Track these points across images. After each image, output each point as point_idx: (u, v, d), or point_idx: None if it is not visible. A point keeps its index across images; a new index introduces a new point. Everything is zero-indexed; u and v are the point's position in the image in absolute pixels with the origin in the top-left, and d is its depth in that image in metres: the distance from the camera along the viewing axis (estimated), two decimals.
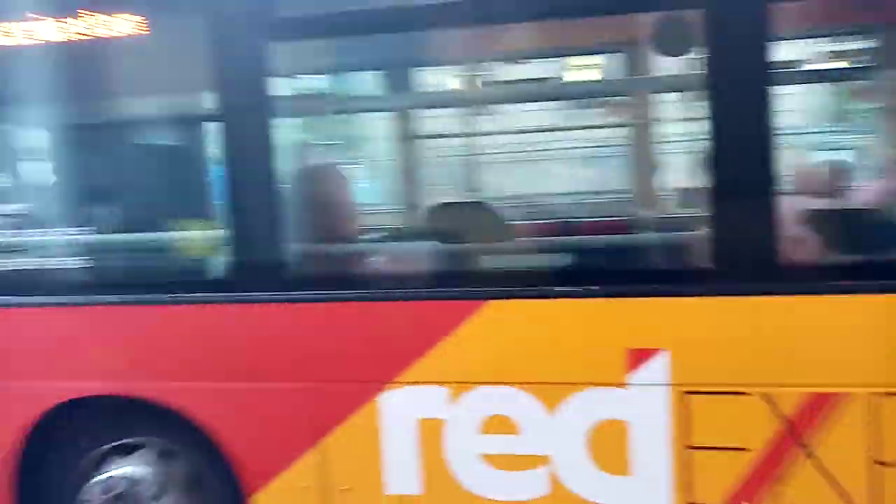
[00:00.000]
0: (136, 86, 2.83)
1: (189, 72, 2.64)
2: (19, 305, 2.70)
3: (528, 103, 9.01)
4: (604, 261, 2.74)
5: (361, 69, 4.15)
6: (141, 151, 2.79)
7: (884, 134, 3.66)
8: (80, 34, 2.52)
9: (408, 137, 4.05)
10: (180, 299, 2.59)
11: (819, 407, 2.20)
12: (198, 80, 2.63)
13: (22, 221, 2.81)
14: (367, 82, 4.08)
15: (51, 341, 2.69)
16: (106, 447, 2.76)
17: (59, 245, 2.74)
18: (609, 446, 2.35)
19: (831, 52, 6.75)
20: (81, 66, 2.66)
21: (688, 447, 2.30)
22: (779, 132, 2.20)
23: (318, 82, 4.35)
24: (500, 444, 2.42)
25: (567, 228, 3.61)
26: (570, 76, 11.56)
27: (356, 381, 2.48)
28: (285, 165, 2.61)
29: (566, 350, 2.36)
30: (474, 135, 6.35)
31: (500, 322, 2.38)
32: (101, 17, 2.50)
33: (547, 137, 10.97)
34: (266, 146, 2.44)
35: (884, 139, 3.64)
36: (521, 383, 2.38)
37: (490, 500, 2.44)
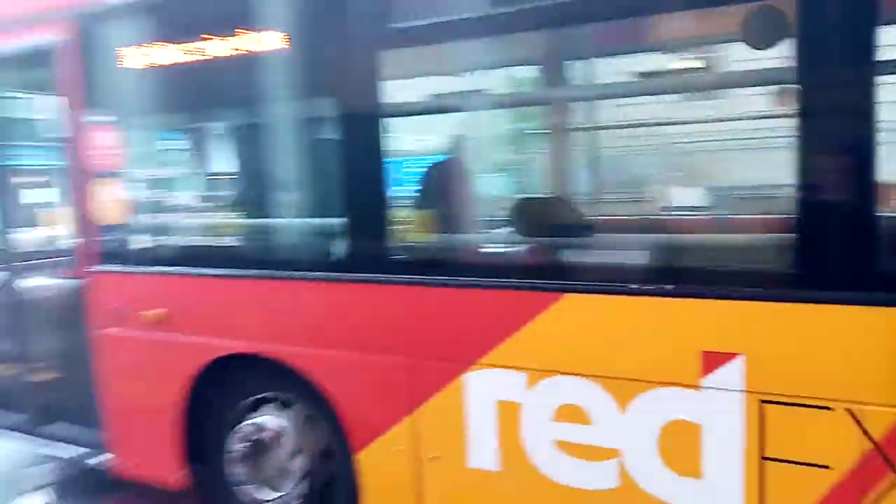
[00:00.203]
0: (312, 89, 3.20)
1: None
2: (191, 275, 3.28)
3: None
4: (681, 260, 2.68)
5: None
6: (291, 148, 3.22)
7: None
8: (248, 50, 2.98)
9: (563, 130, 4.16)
10: (309, 276, 2.98)
11: None
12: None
13: (196, 206, 3.42)
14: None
15: (213, 305, 3.24)
16: (250, 399, 3.26)
17: (220, 226, 3.28)
18: (680, 447, 2.33)
19: None
20: (260, 74, 3.12)
21: (762, 457, 2.22)
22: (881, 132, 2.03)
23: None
24: (571, 432, 2.50)
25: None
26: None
27: (446, 360, 2.70)
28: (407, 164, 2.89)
29: (640, 347, 2.37)
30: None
31: (576, 314, 2.45)
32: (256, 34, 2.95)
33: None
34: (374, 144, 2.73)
35: None
36: (594, 376, 2.44)
37: (561, 485, 2.54)
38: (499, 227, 3.15)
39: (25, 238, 3.98)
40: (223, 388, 3.28)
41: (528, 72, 4.97)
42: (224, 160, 3.80)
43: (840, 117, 2.07)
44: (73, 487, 3.94)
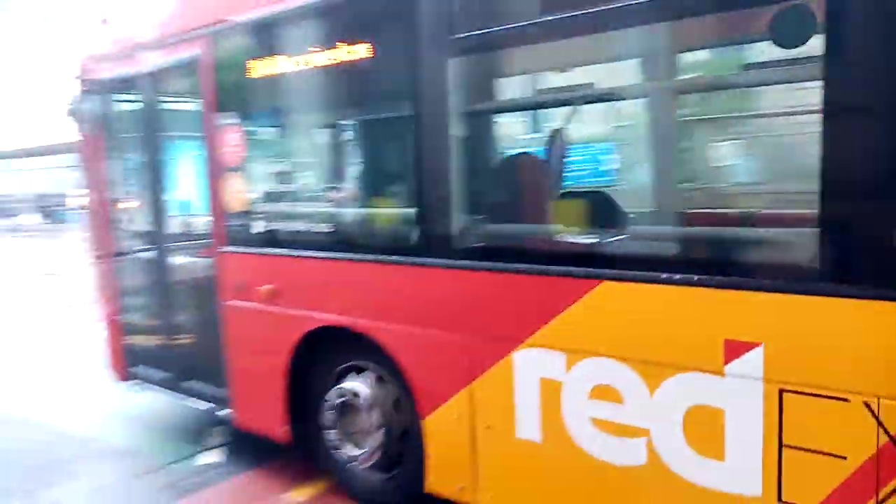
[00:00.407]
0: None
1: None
2: (294, 256, 3.77)
3: None
4: (708, 251, 2.74)
5: None
6: (377, 151, 3.61)
7: None
8: (351, 59, 3.40)
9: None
10: (384, 259, 3.34)
11: None
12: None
13: (301, 196, 3.91)
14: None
15: (311, 282, 3.71)
16: (341, 366, 3.70)
17: (318, 215, 3.74)
18: (703, 430, 2.44)
19: None
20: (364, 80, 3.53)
21: (780, 444, 2.28)
22: None
23: None
24: (606, 410, 2.67)
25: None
26: None
27: (498, 339, 2.95)
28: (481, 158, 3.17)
29: (669, 333, 2.50)
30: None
31: (611, 300, 2.62)
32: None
33: None
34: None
35: None
36: (626, 359, 2.60)
37: (596, 459, 2.72)
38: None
39: (173, 222, 4.70)
40: (320, 355, 3.74)
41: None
42: (324, 158, 4.31)
43: None
44: (241, 449, 4.46)
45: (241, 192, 3.98)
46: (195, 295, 4.52)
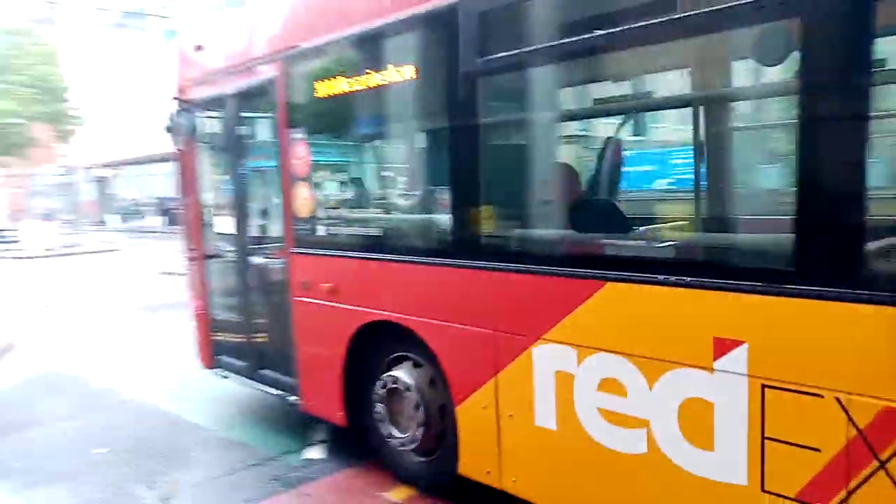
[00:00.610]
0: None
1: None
2: (348, 257, 4.16)
3: None
4: (698, 255, 2.88)
5: None
6: (415, 163, 3.95)
7: None
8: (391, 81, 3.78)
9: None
10: (422, 261, 3.67)
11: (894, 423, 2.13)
12: None
13: (352, 202, 4.34)
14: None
15: (363, 281, 4.09)
16: (390, 357, 4.06)
17: (369, 220, 4.13)
18: (695, 421, 2.63)
19: None
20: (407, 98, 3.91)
21: (763, 437, 2.43)
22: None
23: None
24: (611, 402, 2.89)
25: None
26: None
27: (519, 334, 3.22)
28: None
29: (666, 331, 2.69)
30: None
31: (615, 300, 2.84)
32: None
33: None
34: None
35: None
36: (628, 354, 2.81)
37: (604, 446, 2.94)
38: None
39: (253, 226, 5.23)
40: (372, 347, 4.13)
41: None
42: (374, 169, 4.72)
43: None
44: (340, 447, 4.74)
45: (306, 199, 4.43)
46: (270, 292, 5.02)
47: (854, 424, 2.22)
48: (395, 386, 3.96)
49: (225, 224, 5.38)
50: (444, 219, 3.53)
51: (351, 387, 4.27)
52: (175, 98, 5.46)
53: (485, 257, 3.34)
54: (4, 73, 25.45)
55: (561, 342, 3.05)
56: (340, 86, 4.05)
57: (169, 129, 5.45)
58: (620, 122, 4.61)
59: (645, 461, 2.81)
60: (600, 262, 2.96)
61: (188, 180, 5.65)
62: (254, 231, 5.23)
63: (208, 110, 5.39)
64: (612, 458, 2.93)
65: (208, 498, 4.19)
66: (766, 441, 2.44)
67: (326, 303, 4.28)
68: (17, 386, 6.82)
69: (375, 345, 4.10)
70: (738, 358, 2.48)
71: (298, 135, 4.42)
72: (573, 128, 6.22)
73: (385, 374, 4.03)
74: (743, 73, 3.69)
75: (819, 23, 2.24)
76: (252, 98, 4.99)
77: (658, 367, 2.72)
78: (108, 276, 16.08)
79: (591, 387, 2.96)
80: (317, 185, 4.44)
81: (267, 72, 4.57)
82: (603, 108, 4.59)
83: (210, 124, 5.43)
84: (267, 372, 5.07)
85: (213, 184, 5.62)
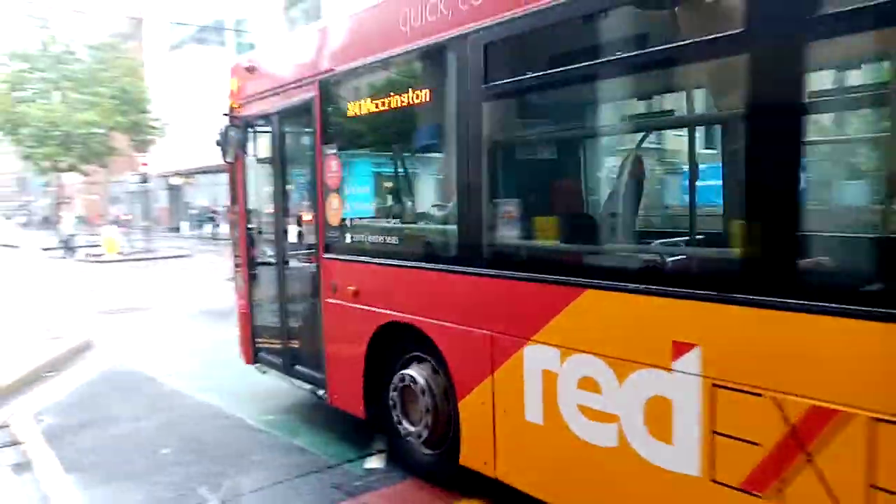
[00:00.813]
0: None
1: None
2: (368, 263, 4.54)
3: None
4: (659, 265, 3.11)
5: None
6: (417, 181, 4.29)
7: None
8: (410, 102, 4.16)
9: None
10: (430, 267, 4.02)
11: (820, 420, 2.34)
12: None
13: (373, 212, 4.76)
14: None
15: (381, 285, 4.46)
16: (405, 356, 4.41)
17: (387, 230, 4.53)
18: (658, 417, 2.87)
19: None
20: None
21: (713, 431, 2.67)
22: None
23: None
24: (588, 399, 3.16)
25: None
26: None
27: (513, 336, 3.52)
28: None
29: (633, 334, 2.95)
30: None
31: (592, 305, 3.11)
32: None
33: None
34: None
35: None
36: (602, 355, 3.07)
37: (583, 440, 3.20)
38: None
39: (292, 233, 5.67)
40: (391, 346, 4.48)
41: None
42: (391, 184, 5.14)
43: None
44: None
45: (335, 209, 4.84)
46: (305, 294, 5.46)
47: (787, 421, 2.44)
48: (407, 382, 4.31)
49: (267, 231, 5.86)
50: (452, 229, 3.88)
51: (370, 382, 4.64)
52: (225, 114, 5.98)
53: (484, 265, 3.66)
54: (90, 86, 27.03)
55: (547, 343, 3.33)
56: (370, 105, 4.46)
57: (219, 144, 5.97)
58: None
59: (616, 454, 3.06)
60: (580, 270, 3.24)
61: (236, 191, 6.17)
62: (292, 238, 5.68)
63: (255, 126, 5.88)
64: (589, 450, 3.19)
65: None
66: (715, 436, 2.67)
67: (351, 304, 4.67)
68: (93, 382, 7.21)
69: (395, 344, 4.46)
70: (692, 359, 2.72)
71: (331, 150, 4.84)
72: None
73: (400, 371, 4.38)
74: None
75: None
76: (293, 116, 5.45)
77: (627, 367, 2.98)
78: (178, 281, 16.94)
79: (571, 385, 3.23)
80: (345, 197, 4.84)
81: (306, 92, 5.02)
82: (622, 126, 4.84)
83: (257, 140, 5.93)
84: (301, 368, 5.50)
85: (257, 195, 6.12)
